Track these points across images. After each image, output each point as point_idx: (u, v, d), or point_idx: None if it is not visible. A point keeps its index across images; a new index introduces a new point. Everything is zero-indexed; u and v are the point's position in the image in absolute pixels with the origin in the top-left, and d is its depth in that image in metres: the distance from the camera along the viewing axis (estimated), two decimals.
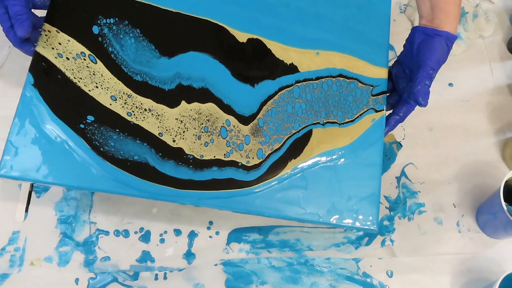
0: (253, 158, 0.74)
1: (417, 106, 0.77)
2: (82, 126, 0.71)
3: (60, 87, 0.73)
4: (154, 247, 0.86)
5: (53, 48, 0.74)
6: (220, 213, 0.88)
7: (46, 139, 0.70)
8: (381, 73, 0.81)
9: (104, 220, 0.87)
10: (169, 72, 0.75)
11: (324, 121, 0.78)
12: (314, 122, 0.77)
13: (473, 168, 0.95)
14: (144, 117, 0.73)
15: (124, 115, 0.72)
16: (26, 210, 0.86)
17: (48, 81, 0.73)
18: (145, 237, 0.86)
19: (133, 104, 0.73)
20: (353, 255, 0.88)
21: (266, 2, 0.82)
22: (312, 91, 0.79)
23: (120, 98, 0.73)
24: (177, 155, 0.72)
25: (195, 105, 0.75)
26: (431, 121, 0.98)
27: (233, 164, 0.73)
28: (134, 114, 0.73)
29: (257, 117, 0.76)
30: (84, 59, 0.74)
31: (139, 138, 0.72)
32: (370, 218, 0.75)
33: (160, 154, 0.72)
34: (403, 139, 0.97)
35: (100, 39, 0.75)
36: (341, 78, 0.80)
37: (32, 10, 0.75)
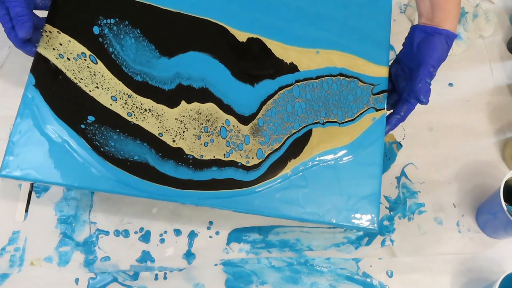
0: (252, 158, 0.75)
1: (418, 105, 0.78)
2: (82, 126, 0.72)
3: (61, 87, 0.73)
4: (154, 247, 0.87)
5: (54, 49, 0.75)
6: (220, 213, 0.89)
7: (47, 139, 0.71)
8: (382, 72, 0.82)
9: (104, 220, 0.87)
10: (169, 72, 0.76)
11: (324, 121, 0.78)
12: (314, 121, 0.78)
13: (473, 168, 0.96)
14: (144, 117, 0.73)
15: (124, 115, 0.73)
16: (26, 210, 0.87)
17: (49, 82, 0.73)
18: (145, 237, 0.87)
19: (133, 104, 0.74)
20: (353, 255, 0.89)
21: (266, 1, 0.82)
22: (312, 90, 0.79)
23: (120, 98, 0.74)
24: (177, 155, 0.73)
25: (195, 105, 0.75)
26: (431, 121, 0.99)
27: (233, 164, 0.74)
28: (134, 114, 0.73)
29: (257, 117, 0.76)
30: (85, 60, 0.75)
31: (139, 138, 0.73)
32: (371, 217, 0.75)
33: (160, 154, 0.73)
34: (403, 139, 0.97)
35: (100, 39, 0.76)
36: (341, 77, 0.81)
37: (34, 11, 0.76)
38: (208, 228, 0.89)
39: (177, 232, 0.88)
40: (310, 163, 0.76)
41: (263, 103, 0.77)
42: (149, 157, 0.72)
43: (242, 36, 0.80)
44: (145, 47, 0.77)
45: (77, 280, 0.84)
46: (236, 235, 0.89)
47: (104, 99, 0.74)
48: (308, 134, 0.77)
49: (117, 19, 0.77)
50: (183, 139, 0.74)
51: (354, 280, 0.87)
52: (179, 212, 0.89)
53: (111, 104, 0.73)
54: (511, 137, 0.97)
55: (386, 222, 0.91)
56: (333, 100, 0.79)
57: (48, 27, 0.75)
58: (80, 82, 0.74)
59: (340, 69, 0.81)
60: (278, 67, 0.79)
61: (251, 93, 0.78)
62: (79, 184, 0.71)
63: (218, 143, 0.74)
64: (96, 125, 0.72)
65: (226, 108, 0.76)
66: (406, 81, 0.79)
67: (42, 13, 0.77)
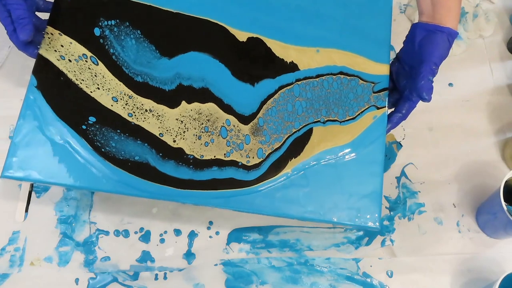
0: (253, 157, 0.75)
1: (420, 102, 0.78)
2: (84, 127, 0.73)
3: (62, 88, 0.74)
4: (154, 247, 0.87)
5: (55, 51, 0.76)
6: (220, 213, 0.89)
7: (49, 140, 0.72)
8: (383, 70, 0.83)
9: (104, 220, 0.88)
10: (169, 73, 0.77)
11: (325, 119, 0.79)
12: (315, 120, 0.79)
13: (473, 168, 0.96)
14: (144, 118, 0.75)
15: (125, 116, 0.74)
16: (26, 210, 0.87)
17: (51, 83, 0.75)
18: (145, 237, 0.88)
19: (134, 105, 0.75)
20: (353, 255, 0.89)
21: (266, 1, 0.83)
22: (312, 89, 0.80)
23: (121, 99, 0.75)
24: (177, 155, 0.74)
25: (195, 105, 0.76)
26: (431, 121, 0.99)
27: (233, 163, 0.75)
28: (135, 115, 0.74)
29: (257, 116, 0.77)
30: (86, 61, 0.76)
31: (140, 139, 0.74)
32: (372, 216, 0.76)
33: (160, 154, 0.73)
34: (403, 139, 0.98)
35: (101, 40, 0.77)
36: (342, 76, 0.81)
37: (36, 13, 0.78)
38: (208, 228, 0.89)
39: (177, 232, 0.88)
40: (311, 162, 0.77)
41: (264, 102, 0.78)
42: (149, 157, 0.73)
43: (242, 35, 0.81)
44: (145, 48, 0.78)
45: (77, 280, 0.84)
46: (236, 235, 0.89)
47: (105, 100, 0.75)
48: (309, 133, 0.78)
49: (117, 21, 0.78)
50: (183, 139, 0.75)
51: (354, 280, 0.88)
52: (179, 212, 0.89)
53: (112, 105, 0.74)
54: (511, 137, 0.98)
55: (386, 222, 0.91)
56: (333, 98, 0.80)
57: (49, 29, 0.77)
58: (81, 83, 0.75)
59: (340, 68, 0.82)
60: (278, 66, 0.80)
61: (251, 93, 0.78)
62: (80, 184, 0.71)
63: (219, 143, 0.75)
64: (97, 126, 0.73)
65: (227, 108, 0.77)
66: (407, 79, 0.80)
67: (45, 15, 0.78)
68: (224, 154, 0.75)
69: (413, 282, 0.89)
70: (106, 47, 0.77)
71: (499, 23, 1.08)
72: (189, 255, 0.87)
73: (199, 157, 0.74)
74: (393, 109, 0.82)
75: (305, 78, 0.80)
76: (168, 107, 0.76)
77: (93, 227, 0.88)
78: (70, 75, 0.75)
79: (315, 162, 0.77)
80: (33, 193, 0.89)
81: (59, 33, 0.77)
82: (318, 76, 0.81)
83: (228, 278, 0.87)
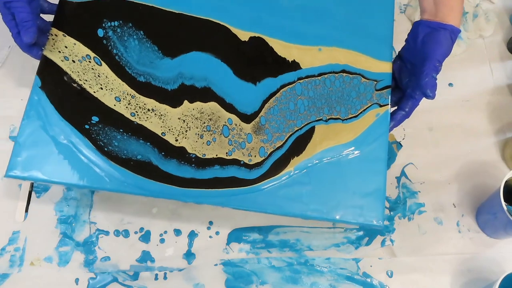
0: (255, 156, 0.77)
1: (422, 100, 0.80)
2: (87, 126, 0.75)
3: (66, 89, 0.77)
4: (154, 247, 0.89)
5: (59, 52, 0.78)
6: (220, 213, 0.91)
7: (52, 140, 0.74)
8: (385, 68, 0.84)
9: (104, 220, 0.89)
10: (172, 73, 0.79)
11: (327, 118, 0.80)
12: (317, 118, 0.80)
13: (473, 168, 0.98)
14: (147, 117, 0.76)
15: (127, 115, 0.76)
16: (26, 210, 0.89)
17: (55, 84, 0.77)
18: (145, 237, 0.89)
19: (137, 104, 0.77)
20: (353, 255, 0.90)
21: (267, 0, 0.85)
22: (314, 87, 0.81)
23: (124, 99, 0.77)
24: (179, 154, 0.76)
25: (198, 104, 0.78)
26: (431, 121, 1.01)
27: (235, 162, 0.76)
28: (138, 114, 0.76)
29: (259, 115, 0.79)
30: (90, 62, 0.78)
31: (142, 138, 0.76)
32: (376, 214, 0.77)
33: (162, 153, 0.75)
34: (403, 139, 0.99)
35: (105, 41, 0.79)
36: (344, 74, 0.83)
37: (41, 15, 0.80)
38: (208, 228, 0.91)
39: (177, 232, 0.90)
40: (314, 160, 0.78)
41: (265, 101, 0.80)
42: (152, 156, 0.75)
43: (244, 35, 0.83)
44: (148, 48, 0.80)
45: (77, 280, 0.86)
46: (236, 235, 0.90)
47: (108, 99, 0.77)
48: (311, 131, 0.79)
49: (121, 22, 0.81)
50: (185, 138, 0.76)
51: (354, 280, 0.89)
52: (179, 212, 0.91)
53: (114, 105, 0.76)
54: (511, 137, 0.99)
55: (386, 222, 0.92)
56: (336, 97, 0.81)
57: (54, 30, 0.79)
58: (84, 83, 0.77)
59: (342, 66, 0.83)
60: (280, 65, 0.82)
61: (253, 92, 0.80)
62: (83, 183, 0.73)
63: (221, 141, 0.77)
64: (100, 125, 0.75)
65: (229, 107, 0.79)
66: (410, 77, 0.81)
67: (50, 17, 0.81)
68: (226, 153, 0.77)
69: (413, 282, 0.90)
70: (109, 47, 0.79)
71: (499, 23, 1.10)
72: (189, 255, 0.89)
73: (201, 156, 0.76)
74: (395, 108, 0.84)
75: (307, 77, 0.82)
76: (170, 107, 0.77)
77: (93, 227, 0.89)
78: (73, 76, 0.77)
79: (317, 161, 0.78)
80: (33, 193, 0.90)
81: (63, 35, 0.79)
82: (320, 74, 0.82)
83: (228, 278, 0.88)
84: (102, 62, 0.78)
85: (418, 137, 1.00)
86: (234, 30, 0.83)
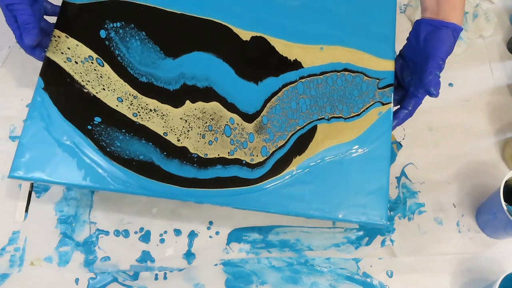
0: (257, 155, 0.78)
1: (426, 97, 0.81)
2: (89, 127, 0.77)
3: (69, 90, 0.78)
4: (154, 247, 0.90)
5: (62, 53, 0.80)
6: (220, 213, 0.92)
7: (55, 140, 0.76)
8: (388, 66, 0.85)
9: (104, 220, 0.91)
10: (173, 73, 0.80)
11: (329, 116, 0.81)
12: (319, 117, 0.81)
13: (473, 168, 0.99)
14: (149, 117, 0.78)
15: (130, 116, 0.78)
16: (26, 210, 0.90)
17: (58, 85, 0.78)
18: (145, 237, 0.90)
19: (139, 105, 0.78)
20: (353, 255, 0.92)
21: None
22: (316, 86, 0.83)
23: (126, 99, 0.78)
24: (181, 154, 0.77)
25: (200, 104, 0.79)
26: (431, 121, 1.02)
27: (237, 162, 0.78)
28: (140, 115, 0.78)
29: (261, 115, 0.80)
30: (92, 63, 0.80)
31: (145, 138, 0.77)
32: (379, 212, 0.78)
33: (165, 153, 0.77)
34: (403, 139, 1.00)
35: (107, 42, 0.81)
36: (346, 72, 0.84)
37: (44, 17, 0.82)
38: (208, 228, 0.92)
39: (177, 232, 0.91)
40: (316, 159, 0.79)
41: (267, 100, 0.81)
42: (154, 156, 0.76)
43: (245, 35, 0.84)
44: (150, 48, 0.81)
45: (77, 280, 0.87)
46: (236, 235, 0.92)
47: (110, 100, 0.78)
48: (313, 130, 0.81)
49: (123, 23, 0.82)
50: (187, 138, 0.78)
51: (354, 280, 0.90)
52: (179, 212, 0.92)
53: (117, 105, 0.78)
54: (511, 137, 1.01)
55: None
56: (338, 95, 0.83)
57: (57, 32, 0.81)
58: (87, 84, 0.78)
59: (344, 65, 0.84)
60: (282, 64, 0.83)
61: (255, 91, 0.81)
62: (86, 184, 0.75)
63: (223, 141, 0.78)
64: (102, 126, 0.77)
65: (230, 107, 0.80)
66: (412, 76, 0.82)
67: (53, 19, 0.82)
68: (228, 153, 0.78)
69: (413, 282, 0.91)
70: (112, 48, 0.80)
71: (499, 23, 1.11)
72: (189, 255, 0.90)
73: (203, 156, 0.77)
74: (398, 107, 0.84)
75: (309, 76, 0.83)
76: (172, 107, 0.79)
77: (93, 227, 0.90)
78: (76, 77, 0.79)
79: (320, 160, 0.79)
80: (33, 193, 0.91)
81: (65, 36, 0.81)
82: (322, 73, 0.84)
83: (228, 278, 0.89)
84: (105, 63, 0.80)
85: (418, 137, 1.01)
86: (236, 30, 0.84)
